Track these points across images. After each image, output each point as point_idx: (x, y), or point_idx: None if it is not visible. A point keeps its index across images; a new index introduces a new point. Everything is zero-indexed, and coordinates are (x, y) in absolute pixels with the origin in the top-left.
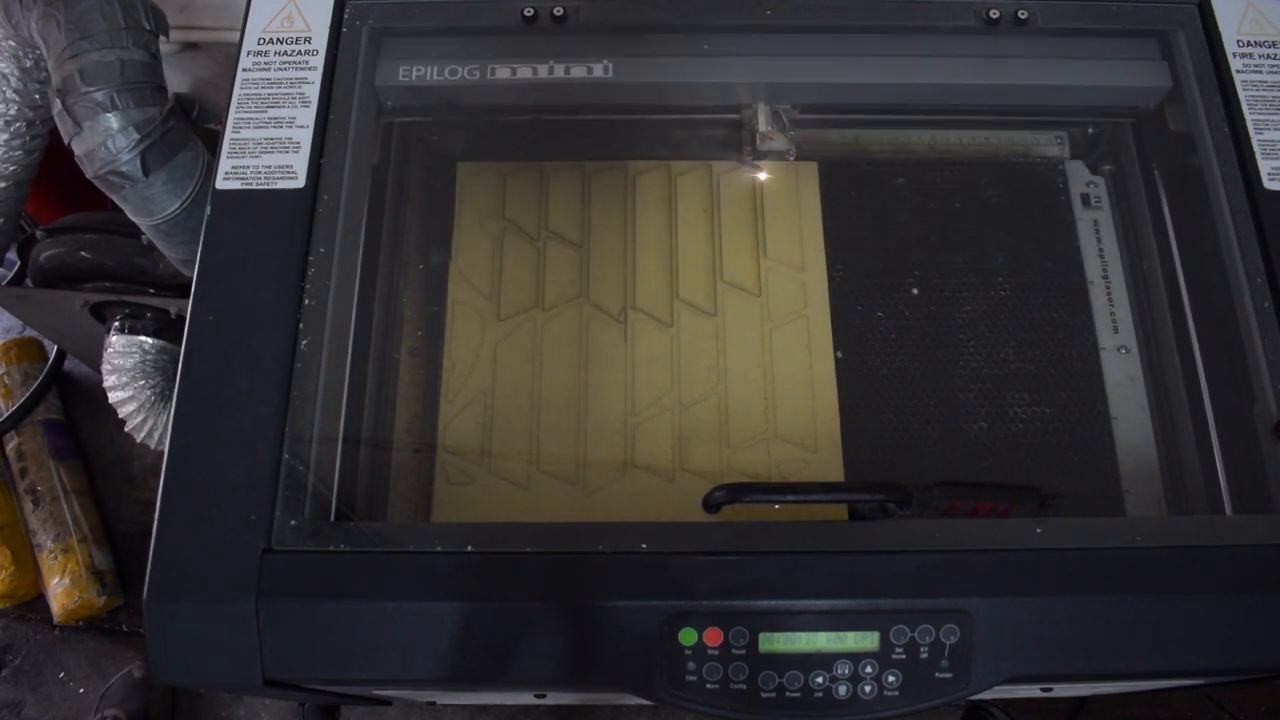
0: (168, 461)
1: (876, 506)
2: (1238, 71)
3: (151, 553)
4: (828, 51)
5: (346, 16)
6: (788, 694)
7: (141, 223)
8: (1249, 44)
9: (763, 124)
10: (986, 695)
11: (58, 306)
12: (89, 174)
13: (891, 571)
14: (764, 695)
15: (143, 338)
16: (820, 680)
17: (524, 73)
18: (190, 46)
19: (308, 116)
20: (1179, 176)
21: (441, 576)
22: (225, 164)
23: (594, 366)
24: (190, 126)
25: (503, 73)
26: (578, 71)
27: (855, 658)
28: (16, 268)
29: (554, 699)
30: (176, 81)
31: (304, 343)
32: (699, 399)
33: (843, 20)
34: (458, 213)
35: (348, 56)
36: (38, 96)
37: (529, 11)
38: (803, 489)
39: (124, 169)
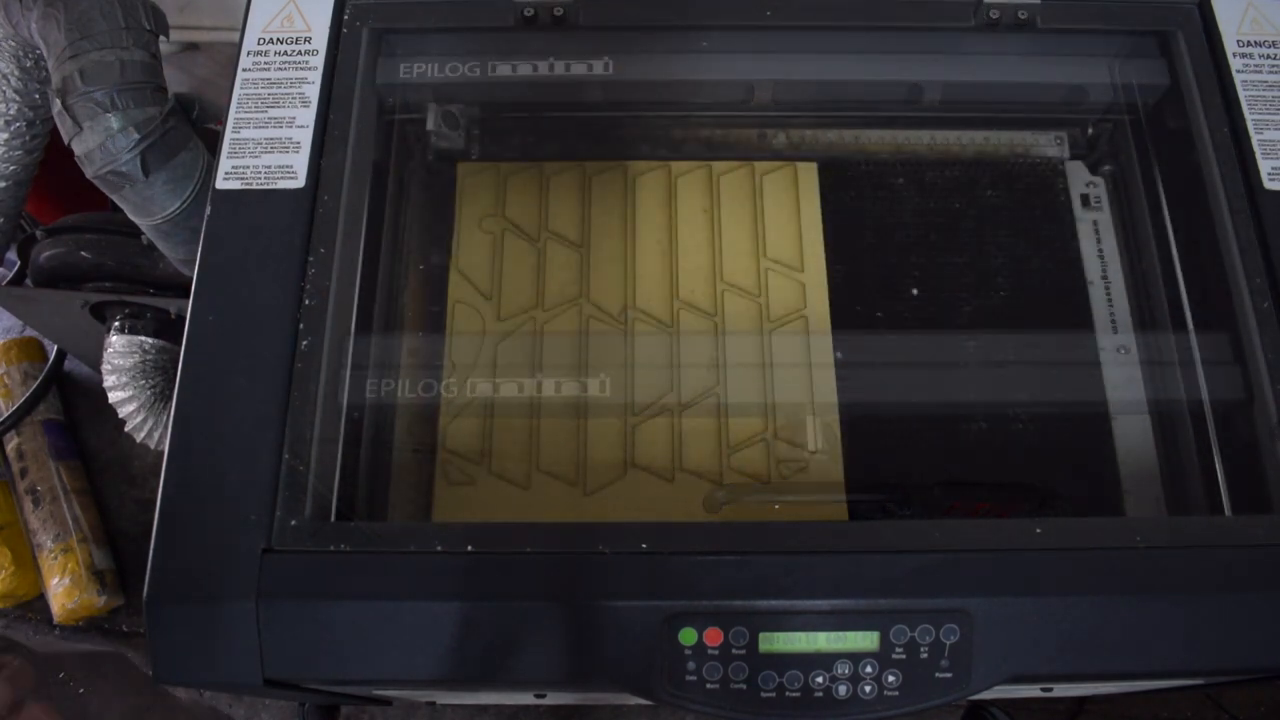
0: (168, 461)
1: (876, 506)
2: (1238, 71)
3: (151, 553)
4: None
5: (346, 17)
6: (788, 694)
7: (141, 223)
8: (1249, 44)
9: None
10: (986, 695)
11: (58, 306)
12: (89, 174)
13: (891, 571)
14: (764, 695)
15: (143, 338)
16: (820, 680)
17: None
18: (190, 46)
19: (308, 116)
20: (1179, 176)
21: (441, 576)
22: (225, 164)
23: (594, 367)
24: (190, 126)
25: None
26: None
27: (855, 658)
28: (16, 268)
29: (554, 699)
30: (176, 81)
31: (304, 343)
32: (699, 399)
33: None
34: (458, 213)
35: (348, 56)
36: (38, 96)
37: (529, 11)
38: (803, 489)
39: (124, 169)
